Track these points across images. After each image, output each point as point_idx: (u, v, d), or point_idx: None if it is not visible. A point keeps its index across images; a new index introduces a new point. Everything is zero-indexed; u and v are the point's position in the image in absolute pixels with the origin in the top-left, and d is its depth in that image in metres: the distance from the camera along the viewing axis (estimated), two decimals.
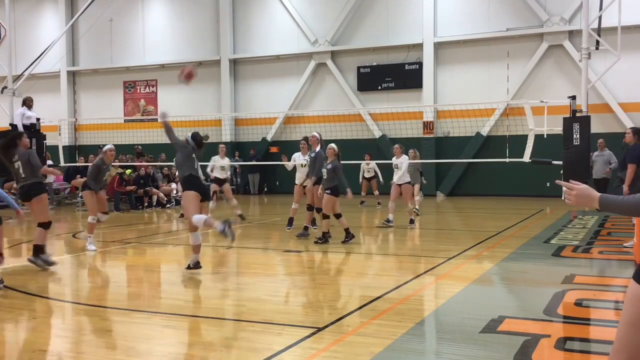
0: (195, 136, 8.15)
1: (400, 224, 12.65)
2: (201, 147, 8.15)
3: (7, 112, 17.93)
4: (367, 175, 18.02)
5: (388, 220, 12.58)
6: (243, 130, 24.76)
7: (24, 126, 13.14)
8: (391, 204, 12.74)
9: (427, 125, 21.57)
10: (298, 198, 11.93)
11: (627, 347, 2.68)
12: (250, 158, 23.01)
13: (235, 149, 24.11)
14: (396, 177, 12.52)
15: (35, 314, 6.13)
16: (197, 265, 7.91)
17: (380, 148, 21.67)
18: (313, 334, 5.04)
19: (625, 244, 9.45)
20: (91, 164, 11.55)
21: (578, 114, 11.83)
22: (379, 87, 22.31)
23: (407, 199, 12.53)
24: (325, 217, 10.35)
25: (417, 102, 21.56)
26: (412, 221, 12.62)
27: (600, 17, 14.27)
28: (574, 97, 12.14)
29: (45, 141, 14.08)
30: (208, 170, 13.95)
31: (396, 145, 12.81)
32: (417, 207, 14.00)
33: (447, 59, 21.66)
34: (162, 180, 19.03)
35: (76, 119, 26.66)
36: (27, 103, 13.38)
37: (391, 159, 12.73)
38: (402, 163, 12.49)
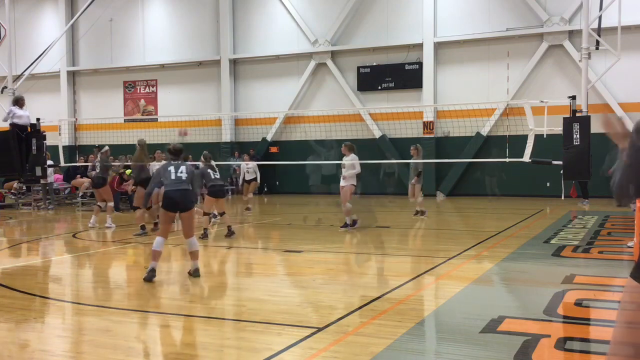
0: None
1: (401, 224, 12.63)
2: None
3: None
4: (247, 177, 16.64)
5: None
6: (243, 130, 24.75)
7: (14, 125, 13.13)
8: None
9: (427, 125, 21.56)
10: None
11: (624, 347, 2.67)
12: (250, 158, 22.94)
13: (235, 148, 24.10)
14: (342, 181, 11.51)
15: (35, 314, 6.13)
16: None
17: (381, 148, 21.67)
18: (313, 334, 5.04)
19: (628, 244, 9.45)
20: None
21: (578, 114, 11.80)
22: (379, 87, 22.31)
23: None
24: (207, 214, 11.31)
25: (417, 102, 21.56)
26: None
27: (600, 17, 14.27)
28: (574, 97, 12.11)
29: (45, 141, 14.06)
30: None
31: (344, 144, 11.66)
32: (421, 208, 14.02)
33: (447, 59, 21.66)
34: None
35: (76, 119, 26.66)
36: (19, 102, 13.39)
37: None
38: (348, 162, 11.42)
